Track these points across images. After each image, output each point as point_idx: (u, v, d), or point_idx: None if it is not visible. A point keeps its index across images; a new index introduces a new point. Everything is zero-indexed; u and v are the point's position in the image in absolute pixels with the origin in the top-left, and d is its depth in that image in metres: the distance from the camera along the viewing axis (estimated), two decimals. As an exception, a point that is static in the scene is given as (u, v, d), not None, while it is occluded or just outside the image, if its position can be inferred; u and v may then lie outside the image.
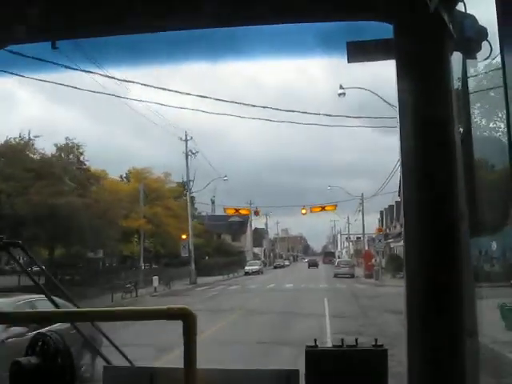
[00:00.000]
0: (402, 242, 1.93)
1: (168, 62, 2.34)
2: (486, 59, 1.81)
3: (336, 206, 51.18)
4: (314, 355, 1.87)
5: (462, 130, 1.84)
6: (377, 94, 25.67)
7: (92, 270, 36.44)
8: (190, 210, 46.56)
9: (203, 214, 66.73)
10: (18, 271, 24.88)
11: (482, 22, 1.80)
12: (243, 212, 53.26)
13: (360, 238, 72.18)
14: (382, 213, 71.88)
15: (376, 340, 1.89)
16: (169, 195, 48.69)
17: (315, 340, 1.91)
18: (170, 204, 46.81)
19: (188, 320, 1.29)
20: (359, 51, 1.93)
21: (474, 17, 1.80)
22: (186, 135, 46.56)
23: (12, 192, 27.64)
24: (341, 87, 27.89)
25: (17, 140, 30.82)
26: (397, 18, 1.83)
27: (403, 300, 1.83)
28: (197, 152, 46.89)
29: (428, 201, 1.79)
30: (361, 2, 1.90)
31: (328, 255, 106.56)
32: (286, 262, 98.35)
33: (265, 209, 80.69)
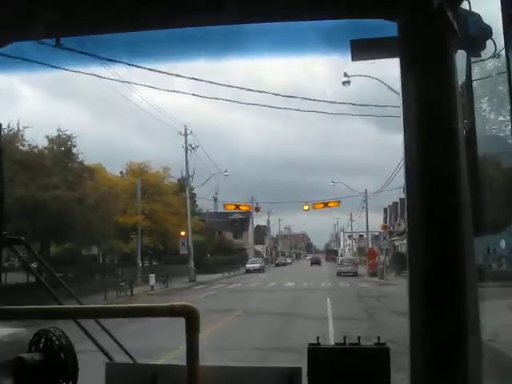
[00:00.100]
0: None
1: (171, 60, 2.39)
2: (490, 57, 1.86)
3: (339, 201, 50.50)
4: (317, 353, 1.92)
5: (466, 128, 1.88)
6: (385, 84, 25.36)
7: (86, 267, 35.92)
8: (189, 206, 46.47)
9: (204, 211, 66.97)
10: (15, 268, 24.87)
11: (486, 20, 1.84)
12: (243, 208, 53.21)
13: (363, 235, 72.47)
14: (385, 210, 72.06)
15: (379, 338, 1.94)
16: (168, 191, 48.56)
17: (317, 338, 1.96)
18: (168, 200, 46.67)
19: (191, 317, 1.33)
20: (363, 49, 1.98)
21: (479, 15, 1.84)
22: (185, 129, 46.61)
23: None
24: (345, 75, 27.54)
25: (5, 131, 29.86)
26: (401, 16, 1.86)
27: (406, 298, 1.88)
28: (197, 146, 46.86)
29: (432, 199, 1.82)
30: (365, 1, 1.93)
31: (331, 253, 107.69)
32: (289, 260, 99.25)
33: (267, 206, 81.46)
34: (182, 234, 45.56)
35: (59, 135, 32.89)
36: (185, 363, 1.34)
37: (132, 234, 43.91)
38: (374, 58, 2.04)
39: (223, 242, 68.79)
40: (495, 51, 1.83)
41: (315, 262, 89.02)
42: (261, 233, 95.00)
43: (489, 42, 1.84)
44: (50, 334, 1.77)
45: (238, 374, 2.05)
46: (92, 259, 43.53)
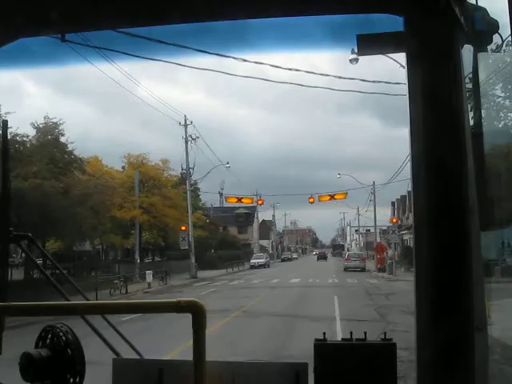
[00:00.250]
0: (414, 234, 2.04)
1: (176, 55, 2.47)
2: (497, 52, 1.92)
3: (346, 193, 50.26)
4: (323, 348, 2.00)
5: (472, 122, 1.94)
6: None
7: (79, 263, 35.34)
8: (189, 199, 46.37)
9: (208, 205, 67.26)
10: (14, 264, 24.55)
11: (492, 14, 1.90)
12: (246, 201, 53.07)
13: (370, 230, 72.65)
14: (393, 203, 72.08)
15: (385, 334, 2.02)
16: (167, 184, 48.56)
17: (324, 333, 2.04)
18: (168, 193, 46.59)
19: (197, 313, 1.39)
20: (370, 44, 2.03)
21: (485, 9, 1.90)
22: (185, 119, 46.51)
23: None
24: (353, 52, 27.26)
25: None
26: (407, 11, 1.93)
27: (413, 294, 1.95)
28: (197, 137, 46.71)
29: (438, 193, 1.88)
30: None
31: (337, 248, 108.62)
32: (295, 255, 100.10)
33: (271, 200, 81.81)
34: (183, 228, 45.59)
35: (46, 123, 32.06)
36: (191, 358, 1.39)
37: (132, 229, 43.80)
38: (381, 53, 2.11)
39: (227, 237, 69.17)
40: (502, 46, 1.89)
41: (321, 257, 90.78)
42: (266, 228, 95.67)
43: (495, 37, 1.90)
44: (57, 330, 1.84)
45: (245, 369, 2.12)
46: (94, 255, 43.37)
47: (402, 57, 1.95)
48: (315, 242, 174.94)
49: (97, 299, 24.16)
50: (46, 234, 28.99)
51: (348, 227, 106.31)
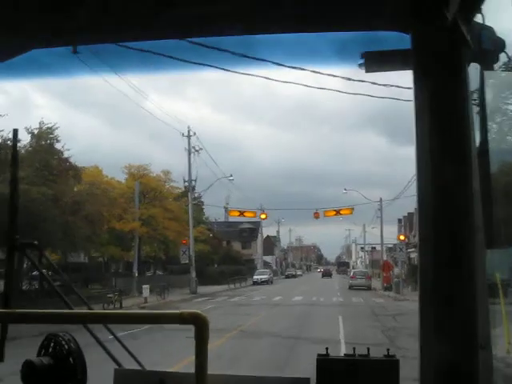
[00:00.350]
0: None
1: (183, 69, 2.54)
2: (503, 70, 1.98)
3: (352, 209, 49.57)
4: (326, 364, 2.04)
5: (479, 140, 2.00)
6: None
7: (74, 276, 33.77)
8: (191, 211, 46.38)
9: (212, 220, 67.57)
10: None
11: (499, 33, 1.97)
12: (248, 215, 52.81)
13: (375, 247, 72.69)
14: (400, 221, 72.00)
15: (388, 350, 2.06)
16: (169, 196, 48.58)
17: (327, 348, 2.09)
18: (169, 205, 46.62)
19: (200, 325, 1.40)
20: (377, 61, 2.10)
21: (492, 28, 1.97)
22: (188, 131, 46.75)
23: None
24: (362, 57, 27.07)
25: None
26: (414, 29, 1.99)
27: (417, 312, 1.99)
28: (200, 149, 46.92)
29: (444, 212, 1.93)
30: (378, 13, 2.05)
31: (342, 265, 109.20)
32: (299, 272, 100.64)
33: (276, 215, 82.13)
34: (184, 242, 45.57)
35: (40, 128, 31.50)
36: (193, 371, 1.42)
37: (133, 241, 43.55)
38: (387, 70, 2.16)
39: (230, 252, 69.39)
40: (508, 64, 1.96)
41: (326, 274, 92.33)
42: (270, 243, 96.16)
43: (502, 55, 1.97)
44: (60, 339, 1.91)
45: (247, 383, 2.17)
46: (90, 267, 43.03)
47: (409, 74, 2.01)
48: (320, 259, 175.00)
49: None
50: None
51: (353, 244, 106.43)
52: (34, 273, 29.65)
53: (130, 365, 2.35)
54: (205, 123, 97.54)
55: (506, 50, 1.95)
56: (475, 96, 2.02)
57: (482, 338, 1.89)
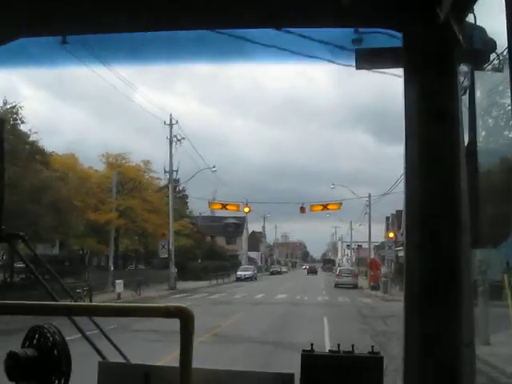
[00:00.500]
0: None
1: (172, 62, 2.61)
2: (494, 71, 2.08)
3: (340, 204, 48.92)
4: (310, 359, 2.13)
5: (467, 140, 2.09)
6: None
7: (42, 269, 34.09)
8: (171, 203, 46.05)
9: (196, 214, 67.69)
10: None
11: (490, 33, 2.07)
12: (231, 208, 52.30)
13: (361, 245, 73.38)
14: (388, 219, 72.54)
15: (372, 347, 2.15)
16: (148, 186, 48.41)
17: (311, 344, 2.17)
18: (149, 197, 46.37)
19: (185, 319, 1.46)
20: (368, 58, 2.19)
21: (484, 29, 2.06)
22: (170, 119, 46.48)
23: None
24: (356, 31, 27.03)
25: None
26: (406, 27, 2.08)
27: (402, 310, 2.09)
28: (183, 138, 46.62)
29: (431, 210, 2.02)
30: (370, 10, 2.13)
31: (327, 262, 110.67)
32: (284, 269, 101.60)
33: (261, 209, 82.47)
34: (163, 235, 45.38)
35: (2, 107, 30.38)
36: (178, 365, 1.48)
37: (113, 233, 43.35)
38: (378, 68, 2.25)
39: (214, 247, 69.64)
40: (499, 65, 2.05)
41: (312, 272, 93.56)
42: (256, 239, 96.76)
43: (493, 56, 2.06)
44: (45, 330, 1.96)
45: (231, 377, 2.25)
46: (69, 260, 42.64)
47: (399, 72, 2.10)
48: (306, 256, 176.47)
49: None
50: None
51: (340, 242, 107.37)
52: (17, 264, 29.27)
53: (114, 358, 2.43)
54: (192, 117, 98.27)
55: (497, 51, 2.04)
56: (465, 96, 2.11)
57: (466, 336, 1.99)
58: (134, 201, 44.19)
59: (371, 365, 2.11)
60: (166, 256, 44.81)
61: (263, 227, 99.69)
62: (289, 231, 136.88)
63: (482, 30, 2.08)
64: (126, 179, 45.29)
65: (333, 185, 57.68)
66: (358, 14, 2.14)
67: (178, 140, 46.34)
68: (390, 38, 2.12)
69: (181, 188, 58.21)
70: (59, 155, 39.47)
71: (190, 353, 1.47)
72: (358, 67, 2.19)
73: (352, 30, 2.21)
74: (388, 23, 2.14)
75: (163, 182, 49.31)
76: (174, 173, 46.71)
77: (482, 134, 2.20)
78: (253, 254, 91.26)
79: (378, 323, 22.71)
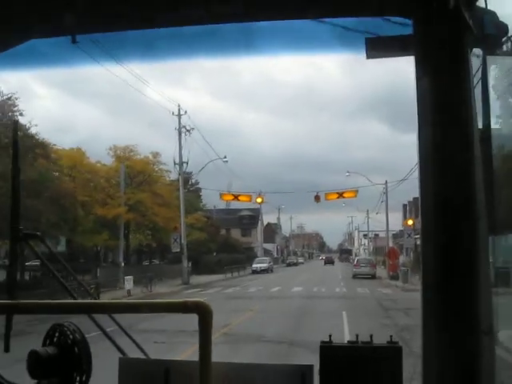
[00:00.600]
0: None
1: (183, 57, 2.67)
2: (506, 55, 2.12)
3: (357, 191, 48.29)
4: (329, 351, 2.19)
5: (481, 127, 2.13)
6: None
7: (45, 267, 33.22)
8: (182, 195, 46.19)
9: (210, 207, 68.45)
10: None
11: (502, 18, 2.10)
12: (242, 199, 51.84)
13: (378, 234, 73.04)
14: (405, 206, 72.26)
15: (391, 337, 2.21)
16: (158, 179, 48.34)
17: (330, 336, 2.24)
18: (159, 190, 46.34)
19: (204, 313, 1.54)
20: (378, 47, 2.22)
21: (495, 13, 2.09)
22: (178, 109, 46.52)
23: None
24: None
25: None
26: (416, 14, 2.11)
27: (419, 298, 2.14)
28: (192, 128, 46.66)
29: (446, 198, 2.06)
30: None
31: (344, 252, 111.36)
32: (300, 260, 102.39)
33: (276, 200, 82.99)
34: (175, 228, 45.38)
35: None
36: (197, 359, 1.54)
37: (124, 230, 43.40)
38: (389, 56, 2.28)
39: (229, 240, 70.02)
40: (511, 49, 2.09)
41: (328, 262, 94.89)
42: (271, 231, 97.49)
43: (505, 40, 2.10)
44: (65, 329, 2.05)
45: (251, 370, 2.32)
46: (92, 257, 42.89)
47: (410, 60, 2.14)
48: (322, 247, 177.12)
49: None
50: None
51: (356, 231, 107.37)
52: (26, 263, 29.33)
53: (134, 353, 2.51)
54: (205, 111, 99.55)
55: (509, 35, 2.07)
56: (477, 81, 2.15)
57: (484, 324, 2.02)
58: (143, 194, 44.10)
59: (390, 355, 2.16)
60: (178, 250, 44.90)
61: (278, 218, 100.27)
62: (305, 222, 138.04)
63: (493, 14, 2.10)
64: (134, 172, 45.27)
65: (348, 172, 57.48)
66: (367, 3, 2.18)
67: (187, 130, 46.41)
68: (399, 26, 2.16)
69: (193, 181, 58.37)
70: (65, 150, 39.67)
71: (209, 347, 1.54)
72: (368, 56, 2.22)
73: (362, 19, 2.25)
74: (398, 11, 2.17)
75: (173, 175, 49.45)
76: (185, 165, 46.91)
77: (496, 120, 2.24)
78: (268, 246, 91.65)
79: (400, 316, 21.92)
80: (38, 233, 2.37)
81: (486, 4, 2.09)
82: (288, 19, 2.28)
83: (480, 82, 2.15)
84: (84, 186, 37.65)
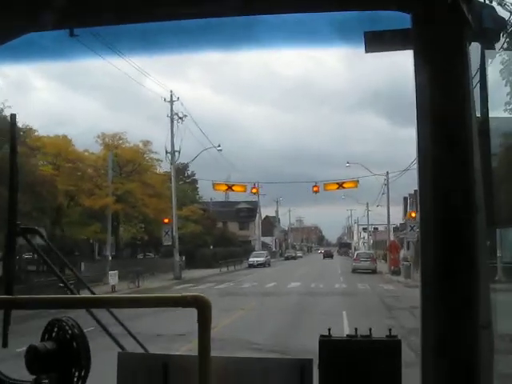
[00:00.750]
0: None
1: (183, 51, 2.75)
2: (504, 50, 2.20)
3: (357, 182, 47.86)
4: (328, 345, 2.28)
5: (479, 121, 2.21)
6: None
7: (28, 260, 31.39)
8: (173, 185, 45.95)
9: (207, 200, 68.29)
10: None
11: (500, 12, 2.19)
12: (237, 189, 51.38)
13: (377, 228, 73.18)
14: (405, 199, 72.31)
15: (390, 330, 2.30)
16: (149, 169, 47.98)
17: (329, 330, 2.32)
18: (149, 180, 46.02)
19: (203, 308, 1.62)
20: (377, 41, 2.28)
21: (493, 7, 2.18)
22: (171, 95, 46.25)
23: None
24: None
25: None
26: (414, 8, 2.18)
27: (418, 291, 2.20)
28: (185, 116, 46.42)
29: (445, 192, 2.13)
30: None
31: (343, 246, 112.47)
32: (299, 253, 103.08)
33: (274, 192, 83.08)
34: (166, 221, 45.12)
35: None
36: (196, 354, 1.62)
37: (115, 221, 43.21)
38: (388, 50, 2.34)
39: (226, 233, 69.91)
40: (509, 43, 2.17)
41: (327, 256, 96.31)
42: (269, 224, 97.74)
43: (503, 34, 2.19)
44: (63, 324, 2.11)
45: (250, 364, 2.41)
46: (88, 249, 42.58)
47: (409, 54, 2.22)
48: (321, 240, 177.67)
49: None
50: None
51: (355, 225, 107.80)
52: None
53: (132, 347, 2.61)
54: (205, 104, 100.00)
55: (507, 29, 2.16)
56: (476, 75, 2.23)
57: (483, 317, 2.10)
58: (132, 184, 43.80)
59: (389, 348, 2.25)
60: (170, 243, 44.60)
61: (276, 212, 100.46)
62: (303, 215, 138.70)
63: (491, 9, 2.18)
64: (123, 161, 44.98)
65: (348, 163, 57.25)
66: None
67: (180, 118, 46.20)
68: (398, 20, 2.22)
69: (190, 173, 58.30)
70: (50, 137, 39.41)
71: (208, 341, 1.61)
72: (367, 50, 2.29)
73: (361, 13, 2.32)
74: (397, 5, 2.24)
75: (165, 165, 49.18)
76: (177, 154, 46.53)
77: (495, 113, 2.33)
78: (267, 240, 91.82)
79: (405, 316, 20.33)
80: (36, 227, 2.45)
81: None
82: (288, 13, 2.35)
83: (478, 76, 2.22)
84: (70, 174, 37.25)
